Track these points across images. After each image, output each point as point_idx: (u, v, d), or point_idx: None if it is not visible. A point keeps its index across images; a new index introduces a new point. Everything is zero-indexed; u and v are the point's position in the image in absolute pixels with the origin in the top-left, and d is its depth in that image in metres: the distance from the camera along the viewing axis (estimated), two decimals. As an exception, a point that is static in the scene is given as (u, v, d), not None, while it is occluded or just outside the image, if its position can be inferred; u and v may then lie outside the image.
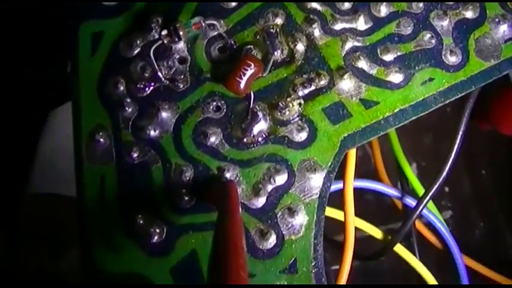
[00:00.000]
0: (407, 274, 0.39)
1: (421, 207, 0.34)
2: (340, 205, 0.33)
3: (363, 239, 0.39)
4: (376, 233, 0.36)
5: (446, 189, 0.48)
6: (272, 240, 0.31)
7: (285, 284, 0.30)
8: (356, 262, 0.44)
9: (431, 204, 0.37)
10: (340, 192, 0.33)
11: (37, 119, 0.45)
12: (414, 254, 0.37)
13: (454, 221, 0.47)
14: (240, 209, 0.30)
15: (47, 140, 0.44)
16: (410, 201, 0.36)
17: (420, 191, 0.37)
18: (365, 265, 0.45)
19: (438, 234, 0.37)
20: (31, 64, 0.44)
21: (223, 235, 0.27)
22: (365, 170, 0.43)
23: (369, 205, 0.43)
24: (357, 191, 0.37)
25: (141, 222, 0.31)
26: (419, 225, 0.39)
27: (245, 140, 0.31)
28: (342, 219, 0.33)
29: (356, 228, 0.36)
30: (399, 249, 0.36)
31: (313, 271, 0.31)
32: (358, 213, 0.38)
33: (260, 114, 0.31)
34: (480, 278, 0.39)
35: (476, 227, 0.47)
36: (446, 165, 0.34)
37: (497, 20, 0.34)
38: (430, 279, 0.36)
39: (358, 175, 0.45)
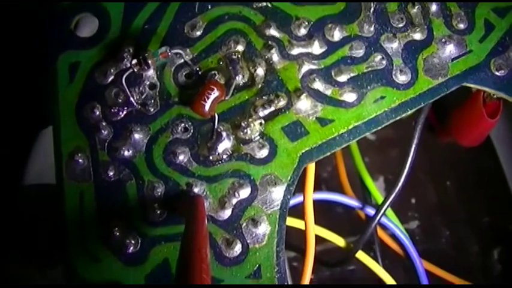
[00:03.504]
0: (378, 282, 0.41)
1: (379, 215, 0.37)
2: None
3: (331, 249, 0.41)
4: (340, 241, 0.39)
5: (413, 200, 0.50)
6: (238, 248, 0.33)
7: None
8: (327, 272, 0.47)
9: (391, 214, 0.40)
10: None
11: (26, 138, 0.47)
12: (377, 262, 0.39)
13: (421, 230, 0.49)
14: (207, 221, 0.33)
15: (36, 160, 0.46)
16: (371, 211, 0.38)
17: (380, 201, 0.39)
18: (336, 274, 0.47)
19: (399, 242, 0.39)
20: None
21: (189, 243, 0.30)
22: (336, 183, 0.45)
23: (340, 217, 0.45)
24: (328, 205, 0.40)
25: (117, 234, 0.33)
26: (385, 236, 0.41)
27: (211, 157, 0.34)
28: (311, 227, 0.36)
29: (322, 238, 0.39)
30: (363, 257, 0.38)
31: (277, 276, 0.33)
32: (328, 225, 0.40)
33: (224, 134, 0.34)
34: (442, 283, 0.41)
35: (442, 236, 0.49)
36: (401, 177, 0.37)
37: (443, 40, 0.36)
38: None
39: (329, 188, 0.47)
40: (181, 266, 0.29)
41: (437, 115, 0.46)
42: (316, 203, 0.38)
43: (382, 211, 0.37)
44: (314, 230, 0.35)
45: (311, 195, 0.35)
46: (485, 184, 0.50)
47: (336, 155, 0.44)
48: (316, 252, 0.43)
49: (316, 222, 0.39)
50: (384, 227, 0.40)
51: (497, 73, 0.36)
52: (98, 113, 0.35)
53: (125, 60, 0.35)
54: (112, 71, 0.35)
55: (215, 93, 0.34)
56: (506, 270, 0.49)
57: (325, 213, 0.45)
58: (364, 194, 0.41)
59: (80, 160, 0.34)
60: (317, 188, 0.49)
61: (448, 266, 0.44)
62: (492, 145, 0.48)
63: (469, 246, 0.49)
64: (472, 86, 0.36)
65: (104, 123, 0.35)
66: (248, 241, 0.33)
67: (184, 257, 0.29)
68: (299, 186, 0.35)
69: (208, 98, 0.33)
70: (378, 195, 0.40)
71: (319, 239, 0.39)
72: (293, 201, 0.36)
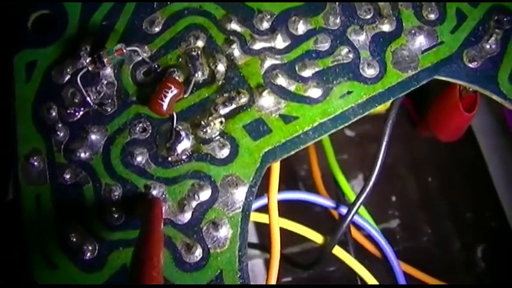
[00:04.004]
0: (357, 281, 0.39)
1: (350, 215, 0.36)
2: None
3: (306, 250, 0.40)
4: (317, 238, 0.37)
5: (393, 198, 0.48)
6: (198, 253, 0.32)
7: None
8: (304, 274, 0.45)
9: (366, 214, 0.38)
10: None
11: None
12: (351, 262, 0.38)
13: (402, 229, 0.48)
14: (165, 224, 0.32)
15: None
16: (344, 210, 0.37)
17: (353, 199, 0.38)
18: (315, 275, 0.46)
19: (375, 243, 0.38)
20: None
21: (140, 249, 0.28)
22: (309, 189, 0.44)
23: (318, 216, 0.44)
24: (306, 204, 0.38)
25: (74, 240, 0.32)
26: (362, 238, 0.40)
27: (170, 158, 0.33)
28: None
29: (297, 239, 0.38)
30: (340, 253, 0.37)
31: (239, 282, 0.32)
32: (307, 224, 0.39)
33: (183, 133, 0.33)
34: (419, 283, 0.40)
35: (424, 233, 0.48)
36: (372, 175, 0.35)
37: (413, 31, 0.35)
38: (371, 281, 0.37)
39: (306, 186, 0.46)
40: (131, 273, 0.28)
41: (416, 108, 0.45)
42: (294, 202, 0.37)
43: (353, 210, 0.36)
44: (279, 231, 0.33)
45: (275, 195, 0.33)
46: (468, 179, 0.49)
47: (310, 153, 0.42)
48: (291, 254, 0.42)
49: (295, 221, 0.38)
50: (360, 228, 0.39)
51: (470, 65, 0.35)
52: (54, 113, 0.34)
53: (82, 58, 0.34)
54: (68, 70, 0.34)
55: (173, 91, 0.32)
56: (490, 267, 0.47)
57: (304, 212, 0.44)
58: (338, 193, 0.40)
59: (36, 163, 0.33)
60: (294, 186, 0.49)
61: (430, 264, 0.43)
62: (474, 139, 0.47)
63: (452, 243, 0.48)
64: (443, 79, 0.35)
65: (60, 125, 0.33)
66: (209, 245, 0.32)
67: (134, 264, 0.28)
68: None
69: (165, 97, 0.32)
70: (351, 194, 0.39)
71: (294, 240, 0.38)
72: (259, 203, 0.35)
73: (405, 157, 0.49)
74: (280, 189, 0.34)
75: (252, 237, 0.47)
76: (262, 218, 0.35)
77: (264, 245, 0.45)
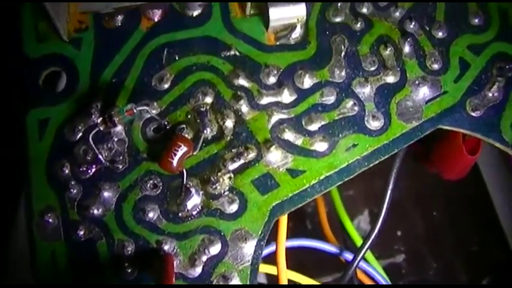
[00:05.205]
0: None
1: (355, 262, 0.36)
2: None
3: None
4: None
5: (399, 233, 0.49)
6: (209, 307, 0.33)
7: None
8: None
9: (369, 256, 0.39)
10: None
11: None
12: (358, 305, 0.39)
13: (408, 263, 0.48)
14: (174, 280, 0.32)
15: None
16: (349, 256, 0.38)
17: (359, 243, 0.39)
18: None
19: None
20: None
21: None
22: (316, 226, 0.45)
23: (324, 260, 0.45)
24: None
25: (89, 294, 0.33)
26: (364, 277, 0.41)
27: (180, 214, 0.34)
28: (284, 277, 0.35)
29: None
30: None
31: (250, 333, 0.33)
32: (316, 260, 0.40)
33: (193, 190, 0.34)
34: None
35: (430, 267, 0.49)
36: (377, 223, 0.36)
37: (417, 82, 0.35)
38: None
39: (313, 223, 0.47)
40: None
41: (422, 144, 0.45)
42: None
43: (357, 259, 0.36)
44: (287, 280, 0.34)
45: (283, 247, 0.34)
46: (473, 213, 0.49)
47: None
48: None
49: (304, 258, 0.39)
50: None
51: (473, 114, 0.35)
52: (67, 171, 0.34)
53: (93, 116, 0.34)
54: (80, 127, 0.35)
55: (182, 149, 0.33)
56: (496, 301, 0.48)
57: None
58: (344, 236, 0.41)
59: (51, 220, 0.34)
60: (301, 223, 0.49)
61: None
62: (480, 174, 0.47)
63: (458, 276, 0.48)
64: (447, 128, 0.35)
65: (73, 182, 0.34)
66: (220, 299, 0.33)
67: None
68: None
69: (175, 155, 0.33)
70: (358, 239, 0.39)
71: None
72: (267, 251, 0.35)
73: (410, 192, 0.49)
74: (287, 226, 0.35)
75: (261, 279, 0.47)
76: (270, 269, 0.36)
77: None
